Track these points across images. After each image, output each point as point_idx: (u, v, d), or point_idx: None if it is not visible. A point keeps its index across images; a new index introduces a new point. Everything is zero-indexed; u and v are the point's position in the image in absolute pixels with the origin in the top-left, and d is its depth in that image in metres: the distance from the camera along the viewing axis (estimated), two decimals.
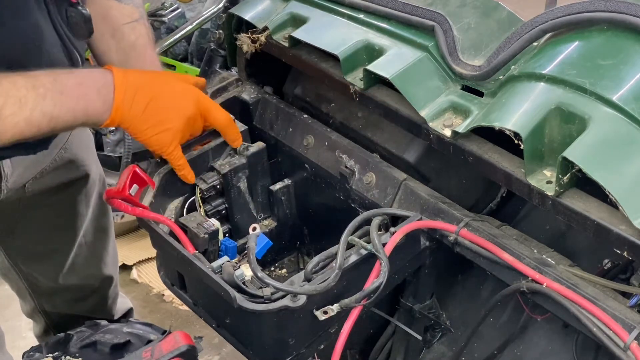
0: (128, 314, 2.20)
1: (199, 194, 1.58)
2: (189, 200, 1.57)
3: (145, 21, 1.67)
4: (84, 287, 2.00)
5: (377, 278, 1.27)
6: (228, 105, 1.71)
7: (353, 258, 1.31)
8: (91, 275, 2.00)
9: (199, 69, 2.50)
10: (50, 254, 1.90)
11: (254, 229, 1.36)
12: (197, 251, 1.41)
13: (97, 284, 2.02)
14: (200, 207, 1.58)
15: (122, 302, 2.19)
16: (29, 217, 1.80)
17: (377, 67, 1.45)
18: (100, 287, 2.03)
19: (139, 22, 1.65)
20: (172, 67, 3.52)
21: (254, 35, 1.69)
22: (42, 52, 1.40)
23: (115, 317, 2.13)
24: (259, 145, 1.65)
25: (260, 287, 1.29)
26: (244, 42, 1.71)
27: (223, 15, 1.82)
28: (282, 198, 1.72)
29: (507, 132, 1.21)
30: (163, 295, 3.08)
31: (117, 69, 1.45)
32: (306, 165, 1.66)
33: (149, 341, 1.52)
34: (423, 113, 1.38)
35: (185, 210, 1.56)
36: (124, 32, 1.63)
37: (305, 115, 1.69)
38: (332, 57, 1.56)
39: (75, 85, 1.39)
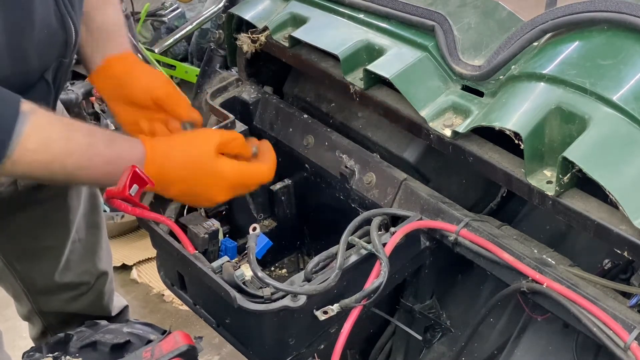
0: (124, 311, 2.20)
1: None
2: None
3: (118, 6, 1.66)
4: (80, 284, 2.00)
5: (377, 278, 1.27)
6: (228, 105, 1.72)
7: (353, 258, 1.31)
8: (87, 271, 2.00)
9: (198, 69, 2.50)
10: (45, 251, 1.90)
11: (254, 229, 1.36)
12: (197, 251, 1.40)
13: (93, 280, 2.03)
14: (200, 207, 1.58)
15: (117, 299, 2.19)
16: (22, 215, 1.80)
17: (377, 67, 1.45)
18: (96, 283, 2.04)
19: (110, 6, 1.64)
20: (172, 67, 3.53)
21: (254, 35, 1.69)
22: (34, 6, 1.35)
23: (112, 314, 2.14)
24: None
25: (260, 287, 1.29)
26: (244, 42, 1.71)
27: (223, 15, 1.82)
28: (282, 198, 1.72)
29: (507, 132, 1.21)
30: (163, 295, 3.09)
31: (150, 150, 1.39)
32: (306, 165, 1.65)
33: (149, 341, 1.52)
34: (423, 113, 1.38)
35: (185, 210, 1.56)
36: (93, 16, 1.61)
37: (305, 115, 1.69)
38: (332, 57, 1.56)
39: (106, 162, 1.37)
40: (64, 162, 1.33)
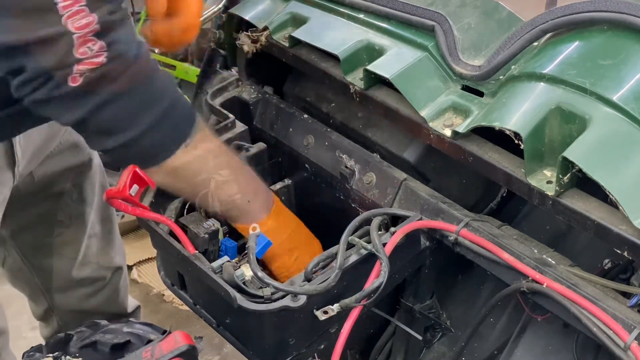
0: (136, 311, 2.21)
1: None
2: (189, 201, 1.57)
3: None
4: (97, 280, 2.01)
5: (377, 278, 1.27)
6: (228, 105, 1.72)
7: (353, 258, 1.31)
8: (102, 265, 2.01)
9: (199, 69, 2.50)
10: (62, 246, 1.91)
11: (254, 229, 1.36)
12: (197, 251, 1.40)
13: (109, 275, 2.03)
14: (200, 207, 1.58)
15: (130, 299, 2.20)
16: (38, 208, 1.80)
17: (377, 67, 1.45)
18: (112, 278, 2.04)
19: None
20: (172, 67, 3.52)
21: (254, 35, 1.69)
22: None
23: (128, 311, 2.14)
24: (260, 146, 1.65)
25: (261, 287, 1.29)
26: (245, 42, 1.71)
27: (223, 15, 1.82)
28: (282, 198, 1.71)
29: (507, 132, 1.21)
30: (163, 295, 3.08)
31: (277, 201, 1.52)
32: (306, 165, 1.65)
33: (149, 341, 1.53)
34: (423, 113, 1.38)
35: (185, 210, 1.56)
36: None
37: (306, 115, 1.69)
38: (332, 57, 1.56)
39: (248, 187, 1.46)
40: (218, 165, 1.39)
